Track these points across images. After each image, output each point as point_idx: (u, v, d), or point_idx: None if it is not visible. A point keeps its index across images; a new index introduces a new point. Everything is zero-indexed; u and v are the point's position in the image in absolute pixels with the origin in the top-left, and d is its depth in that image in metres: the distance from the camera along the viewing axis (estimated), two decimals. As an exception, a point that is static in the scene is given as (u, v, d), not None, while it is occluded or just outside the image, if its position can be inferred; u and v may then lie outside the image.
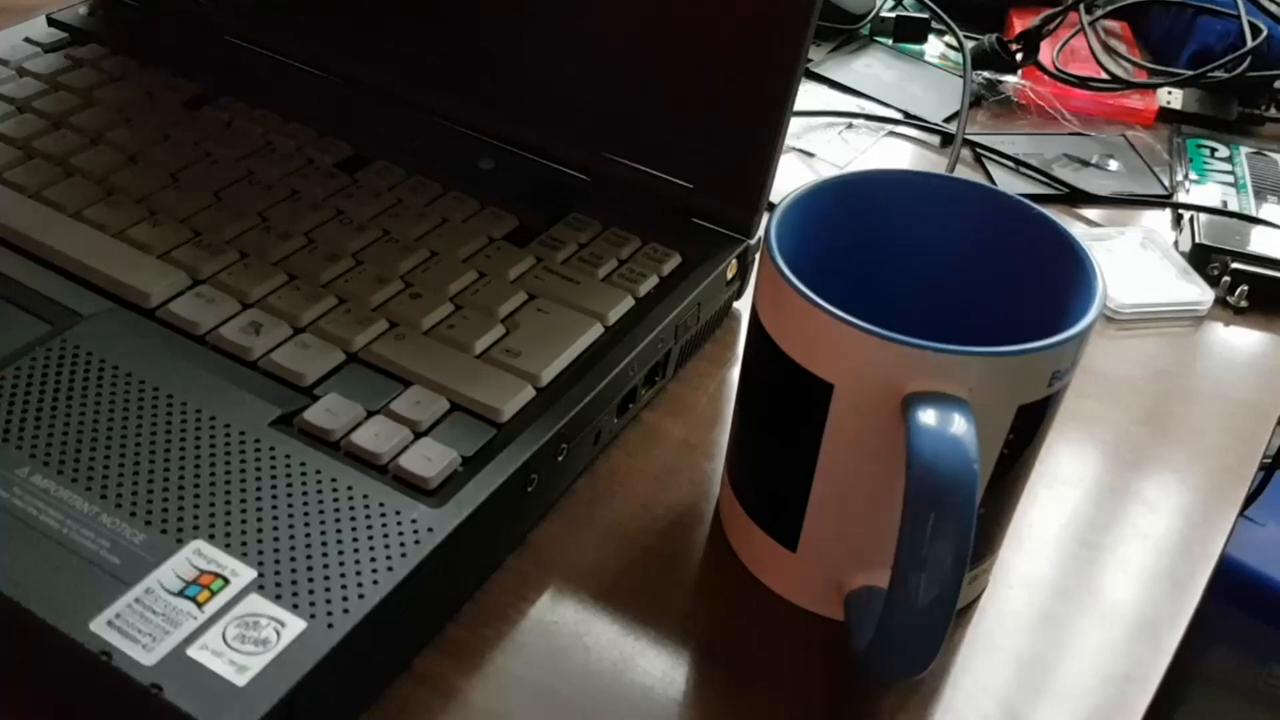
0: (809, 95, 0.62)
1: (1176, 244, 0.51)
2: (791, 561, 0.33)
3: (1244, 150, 0.60)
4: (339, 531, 0.29)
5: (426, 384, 0.34)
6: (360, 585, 0.28)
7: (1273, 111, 0.63)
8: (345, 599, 0.28)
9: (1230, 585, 0.85)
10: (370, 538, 0.29)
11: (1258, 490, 0.73)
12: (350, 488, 0.31)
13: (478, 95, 0.46)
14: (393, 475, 0.31)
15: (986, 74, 0.64)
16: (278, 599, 0.28)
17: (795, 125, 0.59)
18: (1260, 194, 0.56)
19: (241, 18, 0.50)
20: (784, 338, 0.29)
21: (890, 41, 0.67)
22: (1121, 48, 0.66)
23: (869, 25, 0.67)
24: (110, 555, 0.28)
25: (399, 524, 0.30)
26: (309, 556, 0.29)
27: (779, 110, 0.40)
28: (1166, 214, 0.55)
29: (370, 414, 0.33)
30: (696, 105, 0.42)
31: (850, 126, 0.59)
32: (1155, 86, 0.62)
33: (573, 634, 0.32)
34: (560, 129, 0.45)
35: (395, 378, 0.34)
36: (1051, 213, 0.32)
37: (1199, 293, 0.48)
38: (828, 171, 0.55)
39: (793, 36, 0.38)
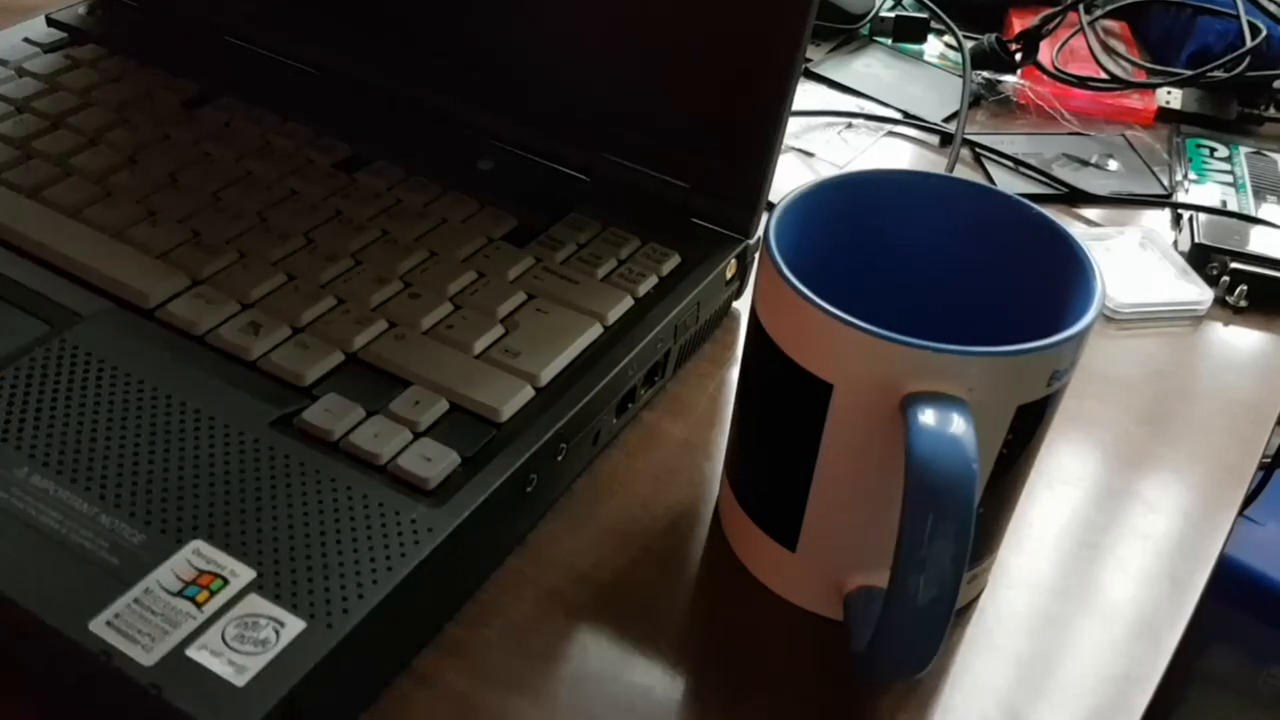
0: (808, 95, 0.62)
1: (1176, 244, 0.51)
2: (791, 561, 0.33)
3: (1243, 150, 0.60)
4: (338, 531, 0.29)
5: (426, 384, 0.34)
6: (360, 585, 0.28)
7: (1272, 111, 0.63)
8: (345, 599, 0.28)
9: (1230, 585, 0.85)
10: (370, 538, 0.29)
11: (1257, 490, 0.73)
12: (349, 488, 0.31)
13: (477, 95, 0.46)
14: (392, 475, 0.31)
15: (986, 74, 0.64)
16: (277, 599, 0.28)
17: (794, 125, 0.59)
18: (1259, 194, 0.56)
19: (241, 18, 0.50)
20: (783, 337, 0.29)
21: (890, 41, 0.67)
22: (1121, 47, 0.66)
23: (868, 25, 0.67)
24: (109, 555, 0.28)
25: (398, 524, 0.30)
26: (308, 556, 0.29)
27: (777, 110, 0.40)
28: (1166, 214, 0.55)
29: (369, 414, 0.33)
30: (695, 105, 0.42)
31: (849, 126, 0.59)
32: (1154, 86, 0.62)
33: (572, 634, 0.32)
34: (560, 129, 0.45)
35: (394, 378, 0.34)
36: (1051, 212, 0.32)
37: (1198, 292, 0.48)
38: (827, 171, 0.55)
39: (790, 36, 0.38)
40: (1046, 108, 0.62)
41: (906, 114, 0.60)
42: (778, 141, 0.40)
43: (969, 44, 0.64)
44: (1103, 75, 0.62)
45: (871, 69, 0.64)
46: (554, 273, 0.39)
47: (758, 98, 0.40)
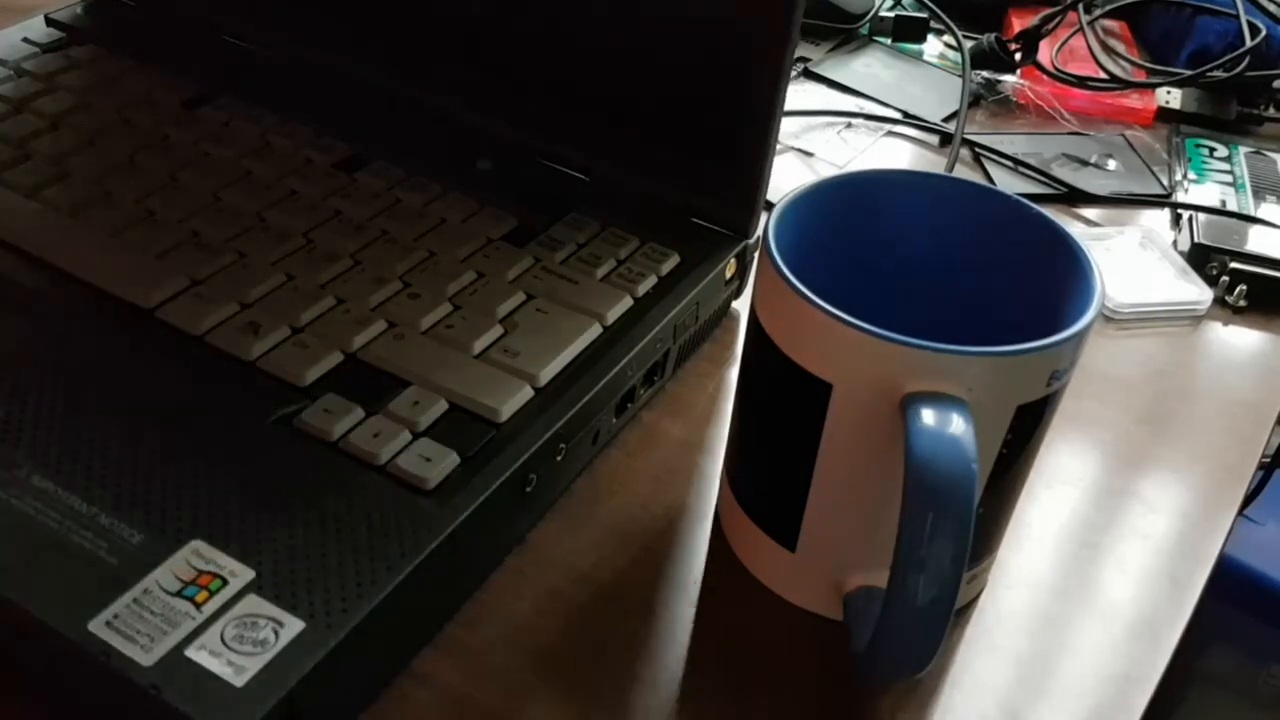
0: (808, 95, 0.62)
1: (1175, 243, 0.51)
2: (790, 561, 0.33)
3: (1243, 150, 0.60)
4: (338, 531, 0.29)
5: (425, 384, 0.34)
6: (359, 585, 0.28)
7: (1271, 111, 0.63)
8: (344, 599, 0.28)
9: (1230, 585, 0.85)
10: (369, 538, 0.29)
11: (1257, 490, 0.73)
12: (349, 488, 0.31)
13: (477, 95, 0.46)
14: (391, 475, 0.31)
15: (985, 74, 0.64)
16: (276, 599, 0.28)
17: (794, 125, 0.59)
18: (1259, 193, 0.56)
19: (241, 18, 0.50)
20: (782, 337, 0.29)
21: (889, 41, 0.67)
22: (1120, 47, 0.66)
23: (868, 25, 0.67)
24: (109, 555, 0.28)
25: (397, 524, 0.30)
26: (307, 557, 0.29)
27: (768, 109, 0.39)
28: (1165, 214, 0.55)
29: (369, 414, 0.33)
30: (689, 106, 0.42)
31: (849, 126, 0.59)
32: (1154, 86, 0.62)
33: (572, 634, 0.32)
34: (559, 129, 0.45)
35: (394, 378, 0.34)
36: (1050, 212, 0.32)
37: (1198, 292, 0.48)
38: (827, 171, 0.55)
39: (778, 34, 0.38)
40: (1046, 108, 0.62)
41: (906, 114, 0.60)
42: (771, 140, 0.40)
43: (969, 44, 0.64)
44: (1102, 75, 0.62)
45: (871, 69, 0.64)
46: (553, 273, 0.39)
47: (748, 97, 0.39)
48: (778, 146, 0.57)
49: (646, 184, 0.43)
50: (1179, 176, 0.57)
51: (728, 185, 0.42)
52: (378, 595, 0.28)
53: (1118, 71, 0.63)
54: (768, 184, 0.41)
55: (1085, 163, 0.58)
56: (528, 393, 0.34)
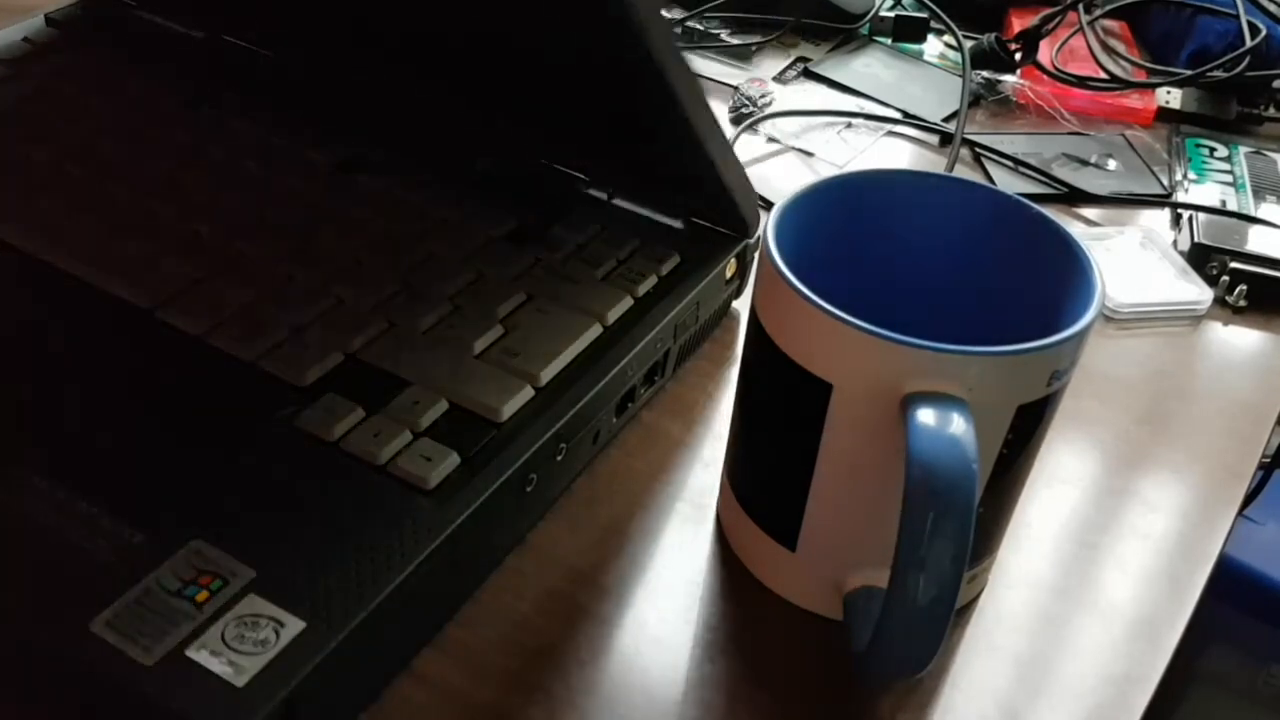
0: (808, 95, 0.62)
1: (1175, 243, 0.51)
2: (790, 561, 0.33)
3: (1243, 150, 0.60)
4: (338, 531, 0.29)
5: (425, 384, 0.34)
6: (359, 585, 0.28)
7: (1271, 111, 0.63)
8: (344, 599, 0.28)
9: (1230, 585, 0.85)
10: (369, 538, 0.29)
11: (1257, 490, 0.73)
12: (349, 488, 0.31)
13: (477, 96, 0.46)
14: (392, 475, 0.31)
15: (985, 73, 0.63)
16: (276, 599, 0.28)
17: (794, 124, 0.59)
18: (1259, 193, 0.56)
19: (240, 18, 0.50)
20: (783, 337, 0.29)
21: (889, 41, 0.67)
22: (1120, 47, 0.66)
23: (868, 25, 0.67)
24: (109, 555, 0.28)
25: (398, 524, 0.30)
26: (308, 556, 0.29)
27: (679, 109, 0.34)
28: (1165, 213, 0.55)
29: (369, 414, 0.33)
30: (643, 110, 0.40)
31: (849, 126, 0.59)
32: (1154, 86, 0.62)
33: (572, 634, 0.32)
34: (559, 128, 0.45)
35: (394, 378, 0.34)
36: (1050, 212, 0.32)
37: (1198, 292, 0.48)
38: (827, 171, 0.55)
39: (633, 36, 0.32)
40: (1046, 107, 0.62)
41: (906, 114, 0.60)
42: (704, 137, 0.36)
43: (969, 44, 0.64)
44: (1102, 75, 0.62)
45: (871, 69, 0.64)
46: (554, 273, 0.39)
47: (658, 97, 0.35)
48: (777, 146, 0.57)
49: (646, 183, 0.43)
50: (1179, 176, 0.57)
51: (707, 186, 0.41)
52: (378, 595, 0.28)
53: (1118, 71, 0.63)
54: (739, 183, 0.40)
55: (1085, 163, 0.58)
56: (528, 393, 0.34)
